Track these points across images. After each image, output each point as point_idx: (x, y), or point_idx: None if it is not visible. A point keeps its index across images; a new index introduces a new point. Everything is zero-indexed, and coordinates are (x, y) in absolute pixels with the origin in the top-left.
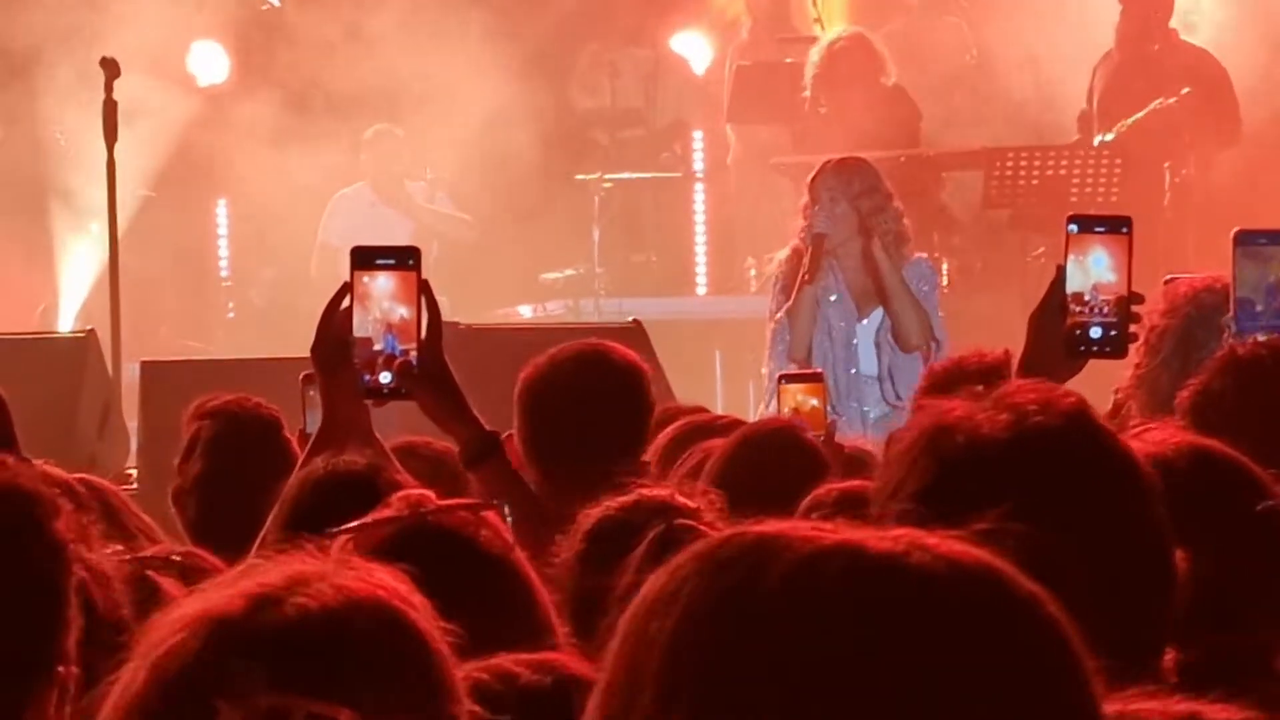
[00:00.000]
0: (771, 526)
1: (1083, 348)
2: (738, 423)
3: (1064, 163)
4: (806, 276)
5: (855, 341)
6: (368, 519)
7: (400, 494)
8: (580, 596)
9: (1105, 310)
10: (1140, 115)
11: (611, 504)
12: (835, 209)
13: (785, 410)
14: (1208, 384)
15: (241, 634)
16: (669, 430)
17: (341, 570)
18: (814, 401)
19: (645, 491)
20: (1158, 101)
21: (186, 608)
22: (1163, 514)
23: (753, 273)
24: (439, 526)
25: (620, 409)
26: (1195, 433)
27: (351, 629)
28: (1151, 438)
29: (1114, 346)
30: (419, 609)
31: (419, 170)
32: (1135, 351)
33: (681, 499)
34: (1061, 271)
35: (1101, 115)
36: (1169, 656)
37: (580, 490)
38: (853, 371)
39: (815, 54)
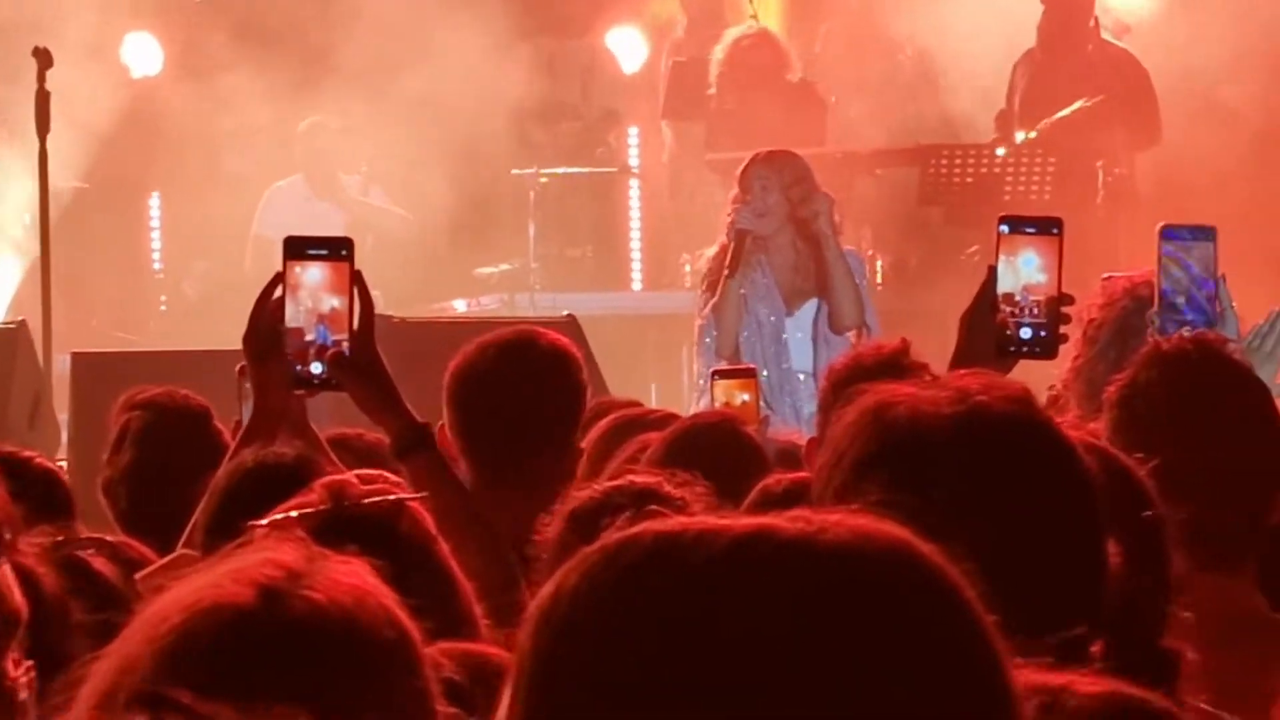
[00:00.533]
0: (675, 523)
1: (1013, 348)
2: (672, 417)
3: (997, 160)
4: (728, 271)
5: (785, 336)
6: (288, 508)
7: (323, 481)
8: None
9: (1035, 311)
10: (1065, 113)
11: (598, 487)
12: (767, 199)
13: (717, 405)
14: (1134, 378)
15: (259, 625)
16: (603, 424)
17: (325, 562)
18: (745, 396)
19: (635, 478)
20: (1082, 100)
21: (187, 595)
22: (1099, 504)
23: (688, 269)
24: (360, 515)
25: (549, 393)
26: (1123, 427)
27: (359, 623)
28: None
29: (1044, 347)
30: (398, 602)
31: (354, 163)
32: (1073, 344)
33: (668, 488)
34: (992, 271)
35: (1024, 113)
36: (1097, 646)
37: (512, 479)
38: (784, 367)
39: (720, 51)
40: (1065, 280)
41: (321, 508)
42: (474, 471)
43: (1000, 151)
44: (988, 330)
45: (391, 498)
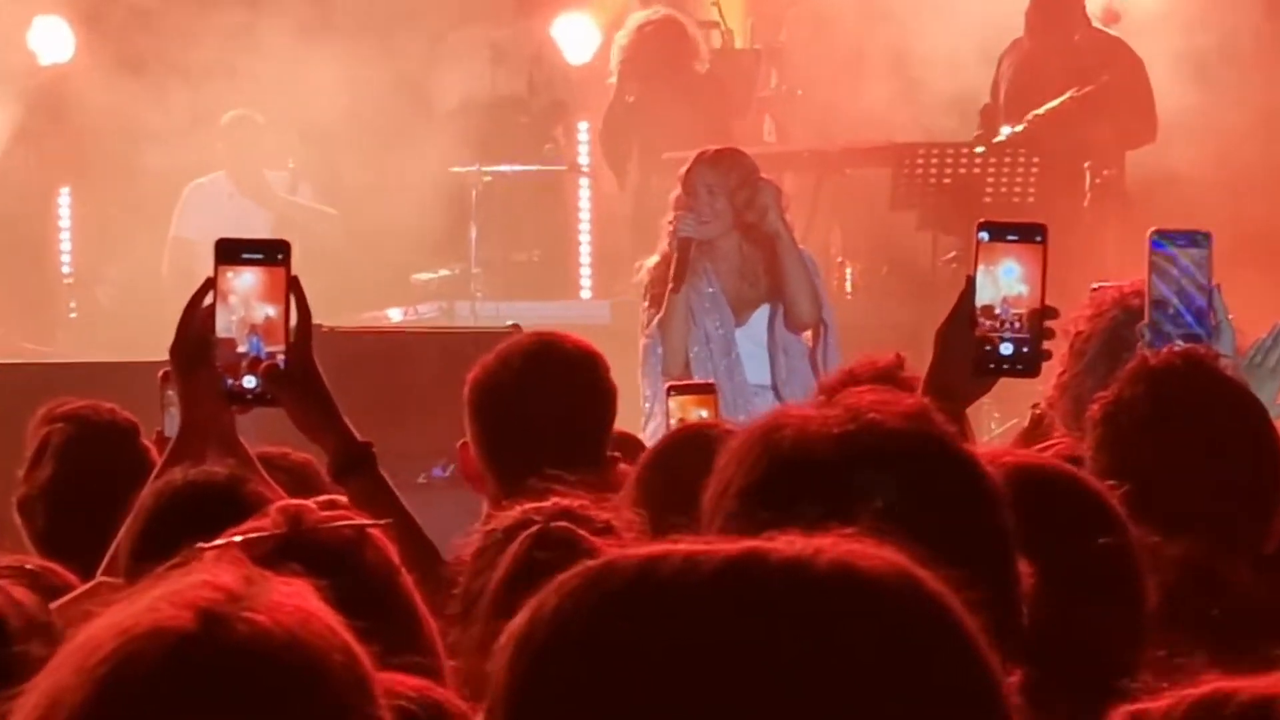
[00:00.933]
0: (659, 547)
1: (992, 365)
2: (628, 436)
3: (977, 160)
4: (672, 284)
5: (735, 350)
6: (243, 531)
7: (278, 505)
8: (467, 592)
9: (1017, 325)
10: (1054, 104)
11: (524, 506)
12: (714, 204)
13: (672, 423)
14: (1120, 393)
15: (200, 650)
16: None
17: (267, 584)
18: (703, 413)
19: (560, 499)
20: (1072, 91)
21: (120, 621)
22: (1006, 523)
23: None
24: (320, 543)
25: (579, 401)
26: (1106, 445)
27: (305, 647)
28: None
29: (1026, 364)
30: (344, 625)
31: (280, 159)
32: (1059, 359)
33: (594, 510)
34: (971, 282)
35: (1009, 107)
36: (1014, 677)
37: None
38: (737, 380)
39: (623, 37)
40: (1050, 291)
41: (276, 533)
42: (502, 489)
43: (980, 150)
44: (965, 346)
45: (353, 523)
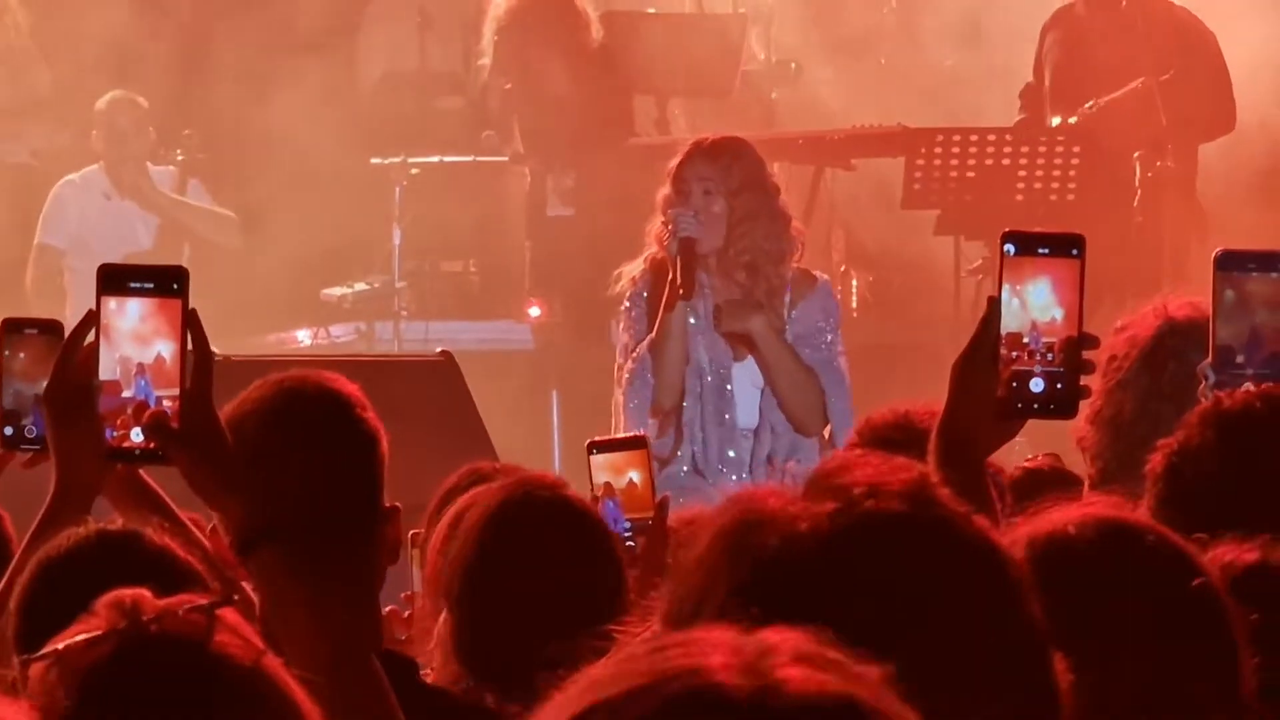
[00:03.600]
0: (604, 672)
1: (1020, 405)
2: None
3: (1006, 149)
4: (681, 291)
5: (730, 387)
6: (65, 637)
7: (107, 599)
8: None
9: (1050, 357)
10: (1118, 95)
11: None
12: (711, 207)
13: (597, 488)
14: (1185, 441)
15: None
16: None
17: None
18: (634, 475)
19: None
20: (1137, 82)
21: None
22: (1032, 614)
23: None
24: (164, 636)
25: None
26: (1169, 504)
27: None
28: (1054, 516)
29: (1060, 404)
30: None
31: (167, 151)
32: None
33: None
34: (994, 306)
35: (1058, 91)
36: None
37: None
38: (727, 420)
39: (499, 5)
40: (1090, 313)
41: (108, 631)
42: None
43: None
44: (987, 383)
45: (199, 606)
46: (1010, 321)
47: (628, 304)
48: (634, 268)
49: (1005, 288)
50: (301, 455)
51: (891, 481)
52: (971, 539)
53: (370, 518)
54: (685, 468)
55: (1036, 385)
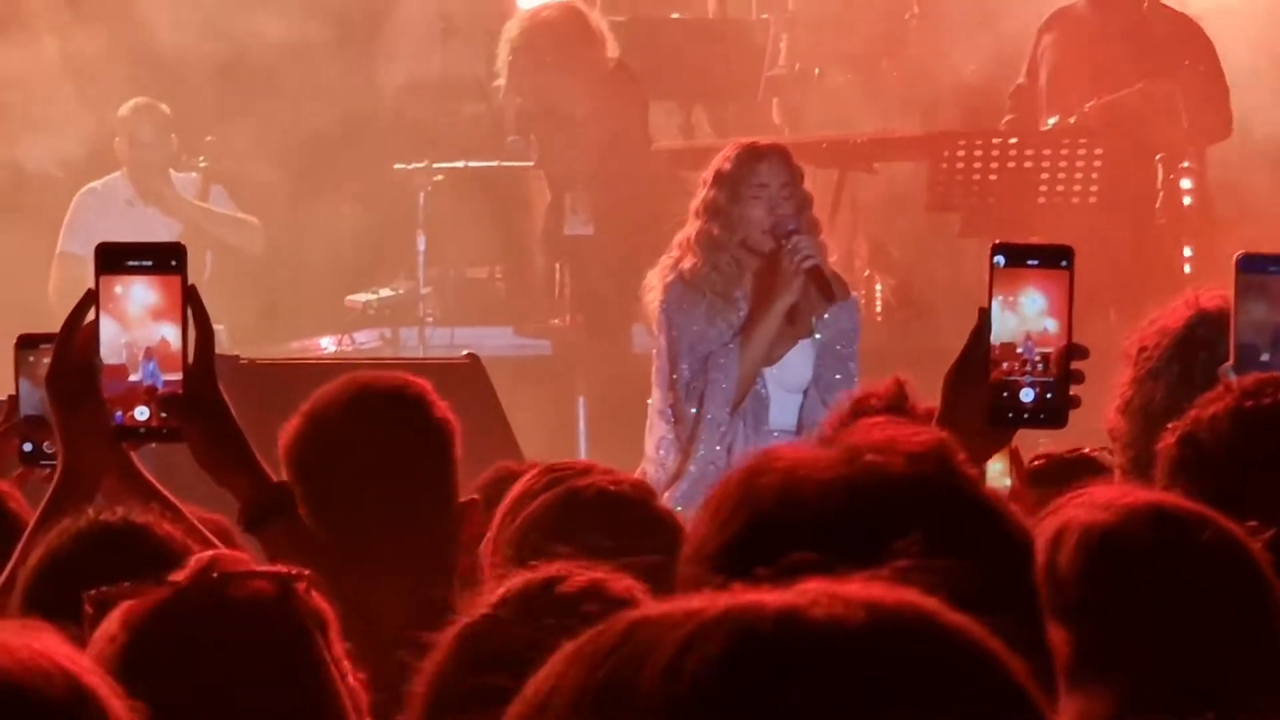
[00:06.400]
0: (652, 608)
1: (1011, 414)
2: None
3: (1029, 152)
4: (827, 300)
5: (764, 390)
6: (148, 581)
7: (196, 556)
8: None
9: (1041, 367)
10: (1117, 96)
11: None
12: (788, 206)
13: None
14: (1197, 421)
15: None
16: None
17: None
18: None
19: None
20: (1139, 85)
21: None
22: (1032, 585)
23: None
24: (229, 594)
25: (403, 448)
26: (1178, 479)
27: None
28: (1091, 499)
29: (1050, 413)
30: (105, 681)
31: (190, 158)
32: (1122, 385)
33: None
34: (985, 316)
35: (1054, 91)
36: None
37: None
38: (763, 428)
39: (513, 26)
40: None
41: (170, 585)
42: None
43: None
44: (978, 393)
45: (272, 572)
46: (1003, 331)
47: (664, 314)
48: (656, 275)
49: (996, 299)
50: (377, 445)
51: (904, 440)
52: (980, 502)
53: (441, 510)
54: (714, 466)
55: (1027, 395)
